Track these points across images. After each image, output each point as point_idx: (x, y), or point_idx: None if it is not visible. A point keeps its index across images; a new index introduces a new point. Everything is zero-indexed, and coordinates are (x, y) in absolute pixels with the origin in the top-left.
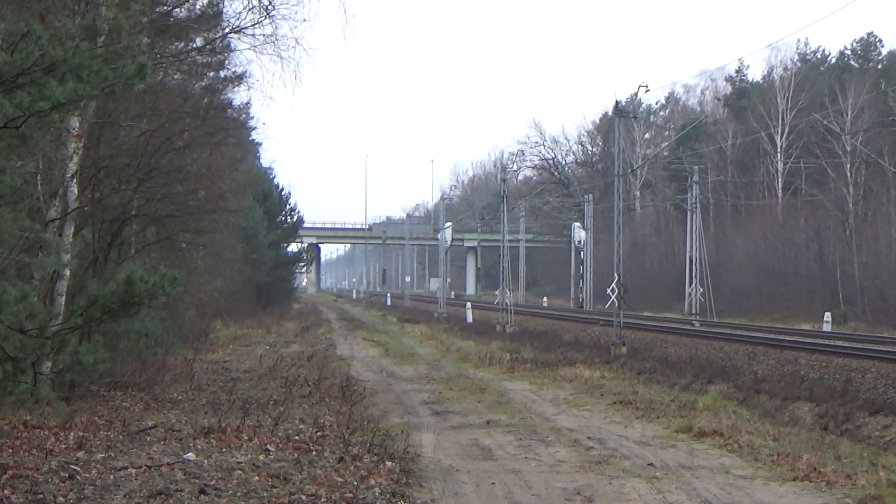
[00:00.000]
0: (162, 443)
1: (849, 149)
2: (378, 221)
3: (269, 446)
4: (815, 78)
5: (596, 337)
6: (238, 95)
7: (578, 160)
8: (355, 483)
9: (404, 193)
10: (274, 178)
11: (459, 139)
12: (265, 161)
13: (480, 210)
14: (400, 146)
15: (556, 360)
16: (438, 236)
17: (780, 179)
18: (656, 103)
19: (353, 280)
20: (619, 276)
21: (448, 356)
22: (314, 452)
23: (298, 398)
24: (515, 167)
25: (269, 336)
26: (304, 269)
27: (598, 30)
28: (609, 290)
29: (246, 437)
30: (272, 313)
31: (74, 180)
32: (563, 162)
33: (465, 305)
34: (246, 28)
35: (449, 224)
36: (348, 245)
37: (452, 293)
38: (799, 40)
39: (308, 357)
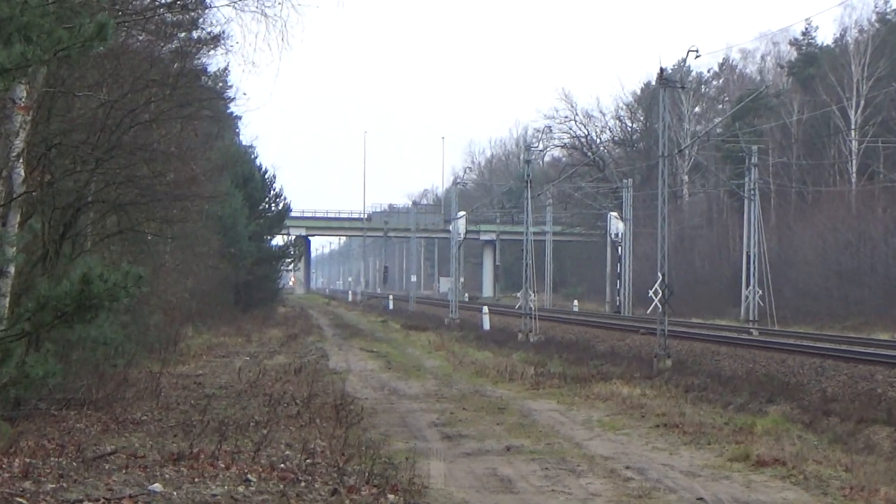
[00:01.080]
0: (123, 471)
1: None
2: (379, 210)
3: (249, 476)
4: None
5: (635, 348)
6: (214, 60)
7: (616, 138)
8: None
9: (410, 178)
10: (256, 158)
11: (475, 114)
12: (246, 138)
13: (500, 197)
14: (405, 122)
15: (589, 375)
16: (450, 228)
17: (854, 162)
18: (708, 71)
19: (349, 279)
20: (663, 275)
21: (461, 370)
22: (303, 483)
23: (284, 419)
24: (541, 146)
25: (250, 345)
26: (291, 267)
27: None
28: (651, 293)
29: (222, 465)
30: (253, 318)
31: (21, 160)
32: (598, 140)
33: (481, 310)
34: None
35: (462, 213)
36: (343, 238)
37: (466, 295)
38: None
39: (296, 370)
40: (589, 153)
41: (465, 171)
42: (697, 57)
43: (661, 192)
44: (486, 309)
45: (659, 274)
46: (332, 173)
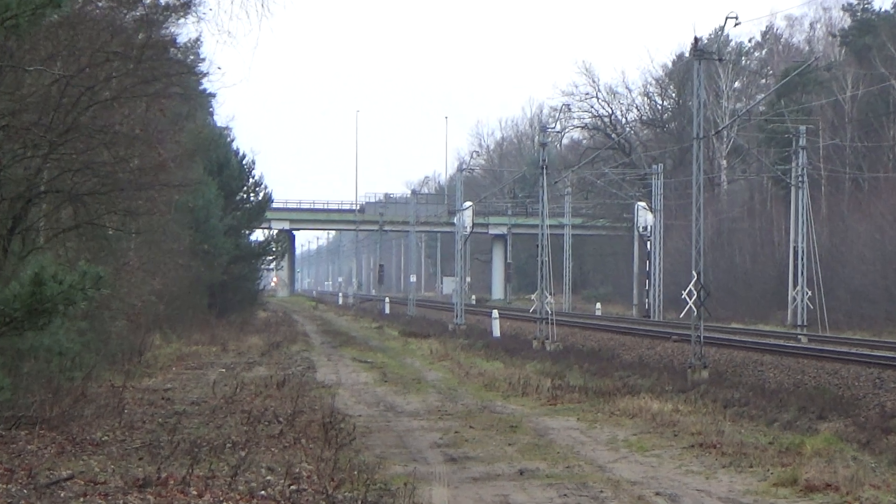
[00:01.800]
0: (81, 499)
1: None
2: (373, 201)
3: None
4: None
5: (667, 357)
6: (184, 30)
7: (644, 117)
8: None
9: (408, 164)
10: (233, 141)
11: (483, 90)
12: (221, 119)
13: (511, 185)
14: (402, 101)
15: (614, 388)
16: (454, 220)
17: None
18: (749, 41)
19: (339, 280)
20: (698, 274)
21: (467, 382)
22: None
23: (265, 439)
24: (559, 127)
25: (226, 355)
26: (273, 265)
27: None
28: (685, 294)
29: (195, 493)
30: (230, 324)
31: None
32: (624, 120)
33: (490, 314)
34: None
35: (469, 204)
36: (332, 233)
37: (473, 297)
38: None
39: (278, 384)
40: (613, 135)
41: (471, 156)
42: (737, 25)
43: (695, 179)
44: (495, 313)
45: (693, 273)
46: (320, 159)
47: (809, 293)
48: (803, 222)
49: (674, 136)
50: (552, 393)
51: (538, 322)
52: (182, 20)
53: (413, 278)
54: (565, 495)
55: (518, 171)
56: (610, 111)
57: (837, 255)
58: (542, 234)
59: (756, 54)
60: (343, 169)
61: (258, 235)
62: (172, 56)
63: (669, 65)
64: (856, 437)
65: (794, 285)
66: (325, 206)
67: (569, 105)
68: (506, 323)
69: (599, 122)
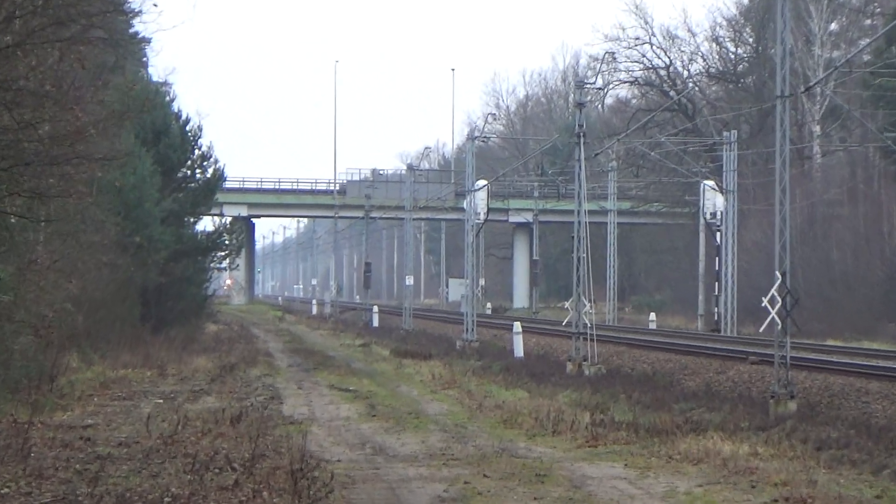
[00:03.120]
0: None
1: None
2: (356, 179)
3: None
4: None
5: (742, 384)
6: None
7: (712, 69)
8: None
9: (404, 132)
10: (173, 101)
11: (501, 36)
12: (159, 72)
13: (538, 159)
14: (395, 50)
15: (672, 425)
16: (464, 205)
17: None
18: None
19: (313, 283)
20: (783, 275)
21: (480, 417)
22: None
23: (215, 492)
24: (601, 82)
25: (165, 382)
26: (226, 264)
27: None
28: (766, 302)
29: None
30: (170, 341)
31: None
32: (686, 73)
33: (511, 327)
34: None
35: (483, 183)
36: (304, 221)
37: (489, 306)
38: None
39: (233, 419)
40: (672, 92)
41: (486, 121)
42: None
43: (779, 151)
44: (518, 326)
45: (777, 274)
46: (288, 127)
47: None
48: None
49: (751, 95)
50: (592, 431)
51: (573, 338)
52: None
53: (410, 281)
54: None
55: (547, 141)
56: (667, 61)
57: None
58: (580, 223)
59: None
60: (318, 140)
61: (207, 224)
62: None
63: (745, 1)
64: None
65: None
66: (295, 187)
67: (613, 54)
68: (531, 339)
69: (653, 76)
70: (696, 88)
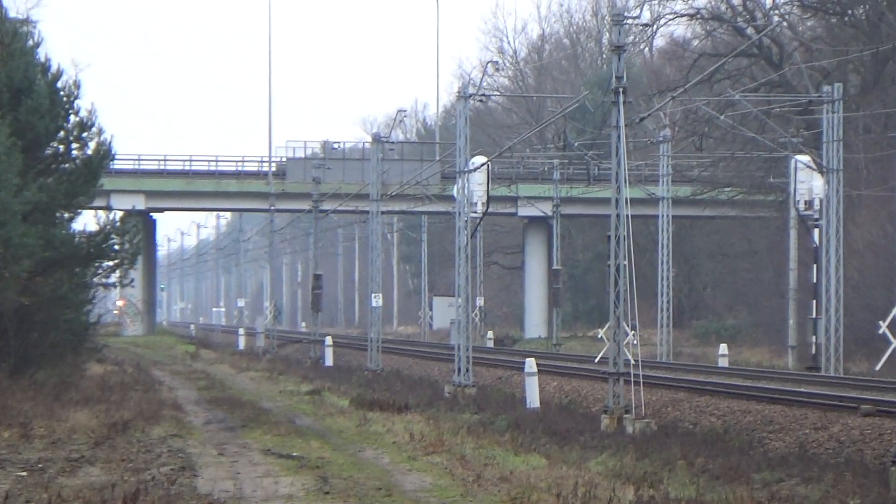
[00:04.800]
0: None
1: None
2: (299, 157)
3: None
4: None
5: (851, 443)
6: None
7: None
8: None
9: (368, 92)
10: (38, 46)
11: None
12: (16, 5)
13: (559, 126)
14: None
15: None
16: (454, 191)
17: None
18: None
19: (240, 304)
20: None
21: (479, 495)
22: None
23: None
24: (647, 17)
25: (30, 445)
26: (116, 277)
27: None
28: (884, 327)
29: None
30: (36, 388)
31: None
32: (769, 1)
33: (522, 366)
34: None
35: (482, 161)
36: (226, 216)
37: (491, 335)
38: None
39: (127, 499)
40: (750, 29)
41: (485, 72)
42: None
43: None
44: (532, 364)
45: None
46: (203, 89)
47: None
48: None
49: (862, 34)
50: None
51: (611, 381)
52: None
53: (377, 301)
54: None
55: (572, 100)
56: None
57: None
58: (619, 218)
59: None
60: (249, 105)
61: (88, 222)
62: None
63: None
64: None
65: None
66: (212, 168)
67: None
68: (551, 382)
69: (723, 5)
70: (785, 23)
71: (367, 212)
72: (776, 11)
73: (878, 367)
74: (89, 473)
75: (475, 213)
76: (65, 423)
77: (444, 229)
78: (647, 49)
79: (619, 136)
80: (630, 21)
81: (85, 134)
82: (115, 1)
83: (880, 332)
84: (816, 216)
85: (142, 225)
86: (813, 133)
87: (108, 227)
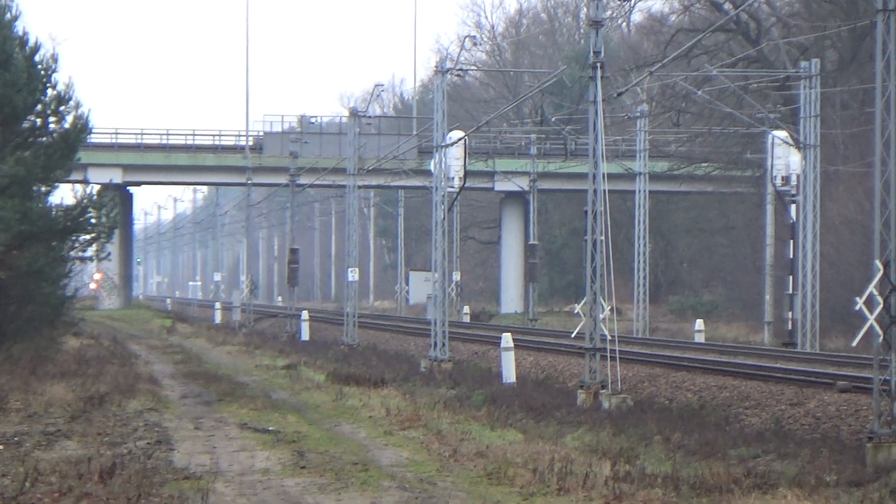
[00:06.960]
0: None
1: None
2: (276, 131)
3: None
4: None
5: (827, 419)
6: None
7: None
8: None
9: (345, 67)
10: (16, 19)
11: None
12: None
13: (536, 101)
14: None
15: (728, 480)
16: (430, 165)
17: None
18: None
19: (216, 279)
20: (885, 266)
21: (455, 469)
22: None
23: None
24: None
25: (6, 419)
26: (92, 251)
27: None
28: (861, 303)
29: None
30: (12, 361)
31: None
32: None
33: (498, 341)
34: None
35: (459, 136)
36: (203, 191)
37: (467, 310)
38: None
39: (103, 472)
40: (727, 5)
41: (462, 47)
42: None
43: (881, 88)
44: (508, 339)
45: (877, 264)
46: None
47: None
48: None
49: (840, 8)
50: (614, 488)
51: (587, 357)
52: None
53: (354, 275)
54: None
55: (549, 75)
56: None
57: None
58: (596, 193)
59: None
60: (225, 81)
61: (65, 196)
62: None
63: None
64: None
65: None
66: (189, 142)
67: None
68: (527, 357)
69: None
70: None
71: (344, 186)
72: None
73: (854, 343)
74: (66, 447)
75: (452, 187)
76: (41, 396)
77: (420, 204)
78: (624, 24)
79: (596, 112)
80: None
81: (62, 108)
82: None
83: (857, 308)
84: (793, 192)
85: (119, 199)
86: (790, 109)
87: (85, 200)
